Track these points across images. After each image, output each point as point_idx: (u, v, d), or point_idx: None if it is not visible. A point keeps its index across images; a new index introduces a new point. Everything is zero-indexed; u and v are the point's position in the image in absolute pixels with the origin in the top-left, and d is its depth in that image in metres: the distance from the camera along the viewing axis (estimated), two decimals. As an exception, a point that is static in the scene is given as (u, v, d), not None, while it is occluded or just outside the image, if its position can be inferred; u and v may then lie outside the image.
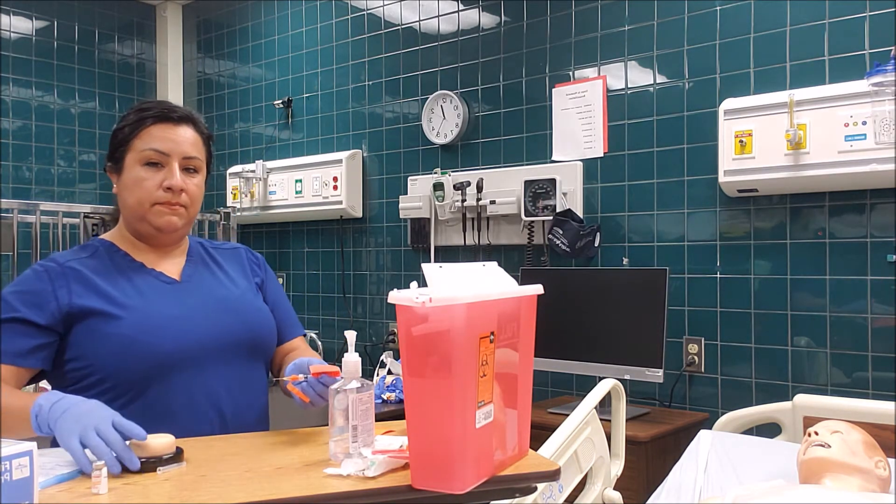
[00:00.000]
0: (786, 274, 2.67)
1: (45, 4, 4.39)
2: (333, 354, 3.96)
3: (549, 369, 2.95)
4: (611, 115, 3.07)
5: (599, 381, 2.13)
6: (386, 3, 3.82)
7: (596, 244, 3.04)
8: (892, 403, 2.13)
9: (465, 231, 3.40)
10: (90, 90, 4.56)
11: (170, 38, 4.90)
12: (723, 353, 2.80)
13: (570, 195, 3.11)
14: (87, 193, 4.45)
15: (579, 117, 3.15)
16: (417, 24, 3.70)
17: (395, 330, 3.54)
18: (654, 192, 2.95)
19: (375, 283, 3.88)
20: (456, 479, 1.10)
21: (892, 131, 2.32)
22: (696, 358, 2.84)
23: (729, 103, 2.69)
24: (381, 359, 3.41)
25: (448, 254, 3.55)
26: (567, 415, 2.00)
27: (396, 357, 3.38)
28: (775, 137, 2.55)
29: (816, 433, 1.90)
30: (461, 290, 1.10)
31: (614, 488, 2.04)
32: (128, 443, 1.20)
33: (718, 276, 2.81)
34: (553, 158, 3.22)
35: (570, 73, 3.19)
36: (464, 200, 3.35)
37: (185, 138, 1.52)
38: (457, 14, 3.55)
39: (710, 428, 2.38)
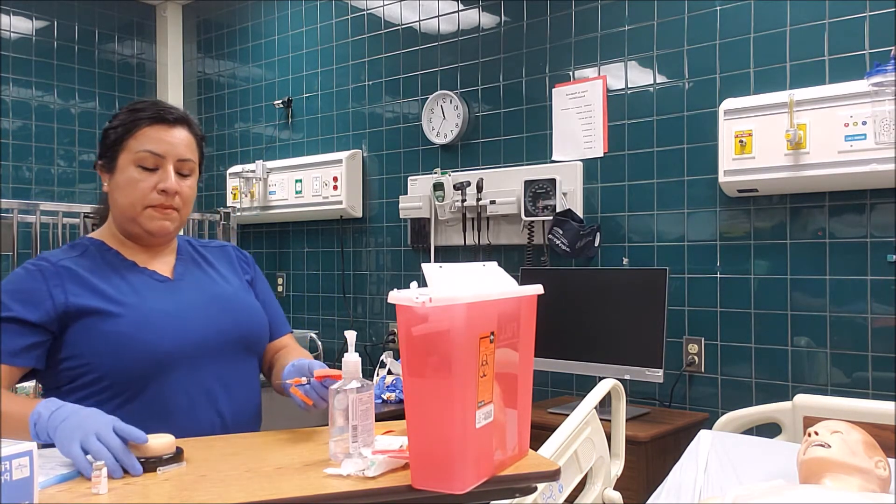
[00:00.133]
0: (786, 274, 2.67)
1: (45, 4, 4.39)
2: (333, 354, 3.96)
3: (549, 369, 2.95)
4: (611, 115, 3.07)
5: (599, 381, 2.13)
6: (386, 3, 3.82)
7: (596, 244, 3.04)
8: (892, 403, 2.13)
9: (465, 231, 3.40)
10: (90, 90, 4.56)
11: (170, 38, 4.90)
12: (723, 353, 2.80)
13: (570, 195, 3.11)
14: (87, 193, 4.44)
15: (579, 117, 3.15)
16: (417, 24, 3.70)
17: (395, 330, 3.54)
18: (654, 192, 2.95)
19: (375, 283, 3.88)
20: (456, 479, 1.10)
21: (892, 131, 2.32)
22: (696, 358, 2.84)
23: (729, 103, 2.69)
24: (381, 359, 3.41)
25: (448, 254, 3.55)
26: (567, 415, 2.00)
27: (396, 357, 3.38)
28: (775, 137, 2.55)
29: (816, 433, 1.90)
30: (461, 290, 1.10)
31: (614, 488, 2.04)
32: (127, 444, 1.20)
33: (718, 276, 2.81)
34: (553, 158, 3.22)
35: (570, 73, 3.19)
36: (464, 200, 3.35)
37: (180, 140, 1.52)
38: (457, 14, 3.55)
39: (710, 428, 2.38)
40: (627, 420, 2.43)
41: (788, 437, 2.31)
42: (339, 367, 1.31)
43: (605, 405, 2.15)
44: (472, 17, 3.51)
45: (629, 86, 3.03)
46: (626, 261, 3.01)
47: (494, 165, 3.40)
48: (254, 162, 4.22)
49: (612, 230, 3.06)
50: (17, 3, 4.26)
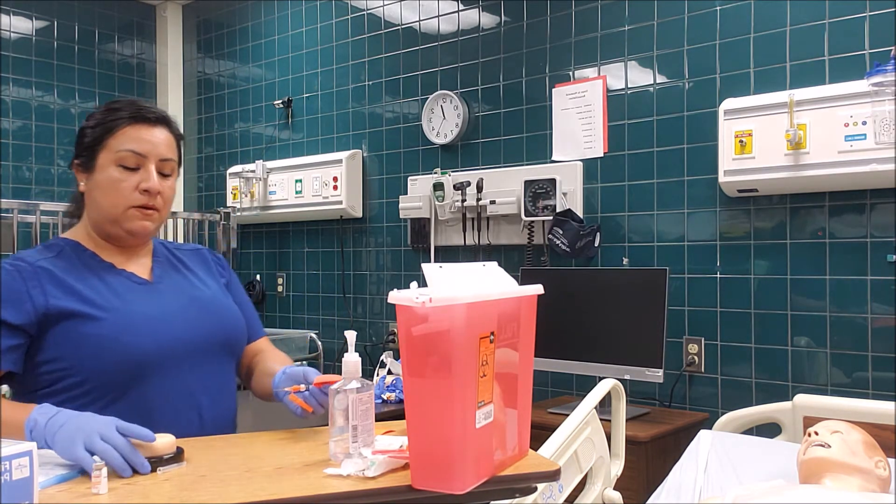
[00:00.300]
0: (786, 274, 2.67)
1: (45, 4, 4.39)
2: (333, 354, 3.96)
3: (549, 369, 2.95)
4: (611, 115, 3.07)
5: (599, 381, 2.13)
6: (386, 3, 3.82)
7: (596, 244, 3.04)
8: (892, 403, 2.13)
9: (465, 231, 3.40)
10: (90, 90, 4.56)
11: (170, 38, 4.90)
12: (723, 353, 2.80)
13: (570, 195, 3.11)
14: (87, 193, 4.44)
15: (579, 117, 3.15)
16: (417, 24, 3.70)
17: (395, 330, 3.54)
18: (654, 192, 2.95)
19: (375, 283, 3.87)
20: (456, 479, 1.10)
21: (892, 131, 2.32)
22: (696, 358, 2.84)
23: (729, 103, 2.69)
24: (381, 359, 3.41)
25: (448, 254, 3.55)
26: (567, 415, 2.00)
27: (396, 357, 3.38)
28: (775, 137, 2.55)
29: (816, 433, 1.90)
30: (461, 290, 1.10)
31: (614, 488, 2.04)
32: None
33: (718, 276, 2.81)
34: (553, 158, 3.22)
35: (570, 73, 3.19)
36: (464, 200, 3.35)
37: (161, 140, 1.50)
38: (457, 14, 3.55)
39: (710, 428, 2.38)
40: (627, 420, 2.43)
41: (788, 437, 2.31)
42: (339, 367, 1.31)
43: (605, 405, 2.15)
44: (472, 17, 3.51)
45: (629, 86, 3.03)
46: (626, 261, 3.01)
47: (494, 165, 3.40)
48: (254, 162, 4.22)
49: (612, 230, 3.06)
50: (17, 3, 4.26)
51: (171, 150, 1.52)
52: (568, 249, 3.01)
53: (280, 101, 4.26)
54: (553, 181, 3.08)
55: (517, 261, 3.28)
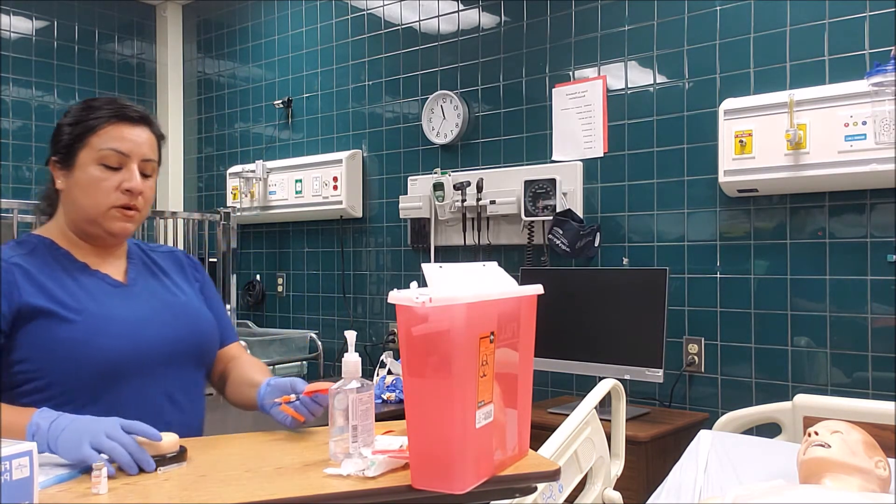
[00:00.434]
0: (786, 274, 2.67)
1: (45, 4, 4.39)
2: (333, 354, 3.96)
3: (549, 369, 2.95)
4: (611, 115, 3.07)
5: (599, 381, 2.13)
6: (386, 3, 3.82)
7: (596, 244, 3.04)
8: (892, 403, 2.13)
9: (465, 231, 3.40)
10: (90, 90, 4.55)
11: (170, 38, 4.90)
12: (723, 353, 2.80)
13: (570, 195, 3.11)
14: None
15: (579, 117, 3.15)
16: (417, 24, 3.70)
17: (395, 330, 3.54)
18: (654, 192, 2.95)
19: (375, 283, 3.87)
20: (456, 479, 1.10)
21: (892, 131, 2.32)
22: (696, 358, 2.84)
23: (729, 103, 2.69)
24: (381, 359, 3.41)
25: (448, 254, 3.55)
26: (567, 415, 2.00)
27: (396, 357, 3.38)
28: (775, 137, 2.55)
29: (816, 433, 1.90)
30: (461, 290, 1.10)
31: (614, 488, 2.04)
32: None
33: (718, 276, 2.81)
34: (553, 158, 3.22)
35: (570, 73, 3.19)
36: (464, 200, 3.35)
37: (144, 140, 1.48)
38: (457, 14, 3.55)
39: (710, 428, 2.38)
40: (627, 420, 2.43)
41: (788, 437, 2.31)
42: (339, 367, 1.31)
43: (605, 405, 2.15)
44: (472, 17, 3.51)
45: (629, 86, 3.03)
46: (626, 261, 3.01)
47: (494, 165, 3.40)
48: (254, 162, 4.22)
49: (612, 230, 3.06)
50: (17, 3, 4.26)
51: (152, 150, 1.50)
52: (568, 249, 3.01)
53: (280, 101, 4.26)
54: (553, 181, 3.08)
55: (517, 261, 3.28)
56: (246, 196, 4.21)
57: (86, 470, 1.16)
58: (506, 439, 1.23)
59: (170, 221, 3.13)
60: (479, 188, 3.32)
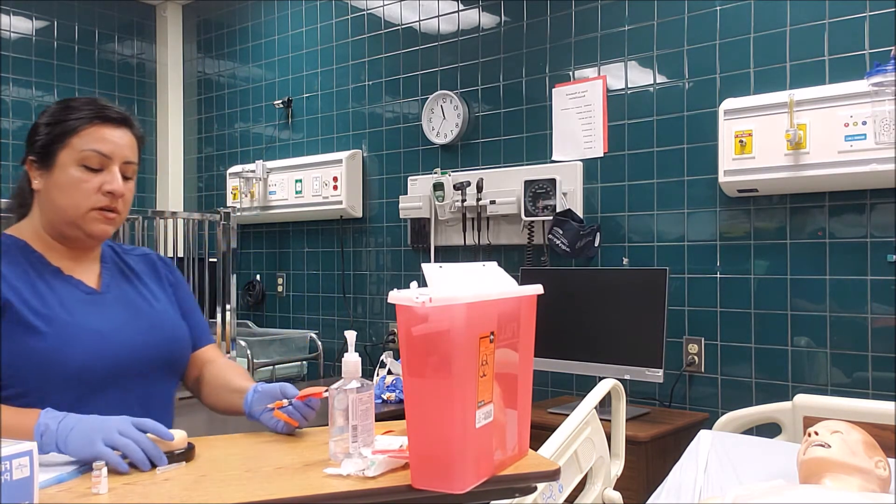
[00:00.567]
0: (786, 274, 2.67)
1: (45, 4, 4.39)
2: (333, 354, 3.96)
3: (549, 369, 2.95)
4: (611, 115, 3.07)
5: (599, 381, 2.13)
6: (386, 3, 3.82)
7: (596, 244, 3.04)
8: (892, 403, 2.13)
9: (465, 231, 3.40)
10: (90, 90, 4.55)
11: (170, 38, 4.90)
12: (723, 353, 2.80)
13: (570, 195, 3.11)
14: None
15: (579, 117, 3.15)
16: (417, 24, 3.70)
17: (395, 330, 3.54)
18: (654, 192, 2.95)
19: (375, 283, 3.87)
20: (456, 479, 1.10)
21: (892, 131, 2.32)
22: (696, 358, 2.84)
23: (729, 103, 2.69)
24: (381, 359, 3.40)
25: (448, 254, 3.55)
26: (567, 415, 2.00)
27: (396, 357, 3.38)
28: (775, 137, 2.55)
29: (816, 433, 1.90)
30: (461, 290, 1.10)
31: (614, 488, 2.04)
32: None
33: (718, 276, 2.81)
34: (553, 158, 3.22)
35: (570, 73, 3.19)
36: (464, 200, 3.35)
37: (126, 142, 1.46)
38: (457, 14, 3.55)
39: (710, 428, 2.38)
40: (627, 420, 2.43)
41: (788, 437, 2.31)
42: (339, 368, 1.31)
43: (605, 405, 2.15)
44: (472, 17, 3.50)
45: (629, 86, 3.03)
46: (626, 261, 3.01)
47: (494, 165, 3.40)
48: (254, 162, 4.22)
49: (612, 230, 3.06)
50: (17, 3, 4.26)
51: (133, 152, 1.48)
52: (568, 249, 3.01)
53: (280, 101, 4.26)
54: (553, 181, 3.08)
55: (517, 261, 3.28)
56: (246, 196, 4.22)
57: (86, 470, 1.16)
58: (506, 439, 1.23)
59: (170, 221, 3.13)
60: (479, 188, 3.32)
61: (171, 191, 4.86)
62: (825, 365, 2.59)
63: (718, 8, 2.80)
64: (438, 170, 3.50)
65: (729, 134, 2.65)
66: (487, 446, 1.16)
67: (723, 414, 2.48)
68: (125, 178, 1.46)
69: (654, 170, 2.95)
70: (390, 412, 2.83)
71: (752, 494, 1.83)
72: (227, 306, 3.18)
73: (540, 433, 1.88)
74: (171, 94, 4.89)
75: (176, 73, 4.92)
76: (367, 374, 3.37)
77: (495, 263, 1.28)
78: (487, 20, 3.46)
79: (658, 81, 2.95)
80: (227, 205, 4.30)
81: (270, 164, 4.19)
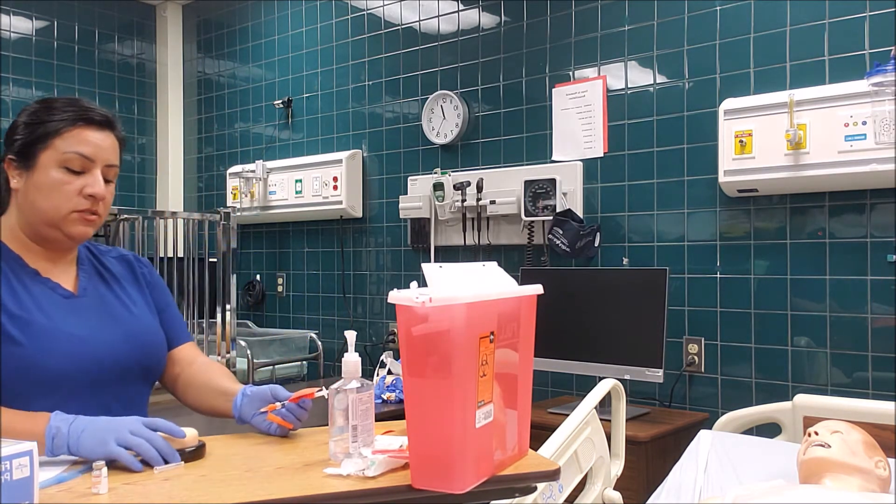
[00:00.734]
0: (786, 274, 2.67)
1: (45, 4, 4.39)
2: (333, 354, 3.96)
3: (549, 369, 2.95)
4: (611, 115, 3.07)
5: (599, 381, 2.13)
6: (386, 3, 3.82)
7: (596, 244, 3.04)
8: (892, 403, 2.13)
9: (465, 231, 3.40)
10: (90, 90, 4.55)
11: (170, 38, 4.90)
12: (723, 353, 2.80)
13: (570, 195, 3.11)
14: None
15: (579, 117, 3.15)
16: (417, 24, 3.70)
17: (395, 330, 3.54)
18: (654, 192, 2.95)
19: (375, 283, 3.87)
20: (456, 479, 1.10)
21: (892, 131, 2.32)
22: (696, 358, 2.84)
23: (729, 103, 2.69)
24: (381, 359, 3.41)
25: (448, 254, 3.55)
26: (567, 415, 2.00)
27: (396, 357, 3.38)
28: (775, 137, 2.55)
29: (816, 433, 1.90)
30: (461, 290, 1.10)
31: (614, 488, 2.04)
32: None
33: (718, 276, 2.81)
34: (553, 158, 3.22)
35: (570, 73, 3.19)
36: (464, 200, 3.35)
37: (108, 145, 1.45)
38: (457, 14, 3.55)
39: (710, 428, 2.38)
40: (627, 420, 2.43)
41: (788, 437, 2.31)
42: (339, 368, 1.31)
43: (605, 405, 2.15)
44: (472, 17, 3.51)
45: (629, 86, 3.03)
46: (626, 261, 3.01)
47: (494, 165, 3.40)
48: (254, 162, 4.22)
49: (612, 230, 3.06)
50: (17, 3, 4.26)
51: (115, 155, 1.47)
52: (568, 249, 3.01)
53: (280, 101, 4.26)
54: (553, 181, 3.08)
55: (517, 261, 3.28)
56: (246, 196, 4.22)
57: (86, 470, 1.16)
58: (506, 439, 1.23)
59: (170, 221, 3.13)
60: (479, 188, 3.32)
61: (171, 191, 4.86)
62: (825, 365, 2.59)
63: (718, 8, 2.80)
64: (438, 170, 3.50)
65: (729, 134, 2.65)
66: (487, 446, 1.16)
67: (723, 414, 2.47)
68: (106, 180, 1.44)
69: (654, 170, 2.95)
70: (390, 412, 2.83)
71: (752, 494, 1.83)
72: (227, 306, 3.19)
73: (540, 433, 1.88)
74: (171, 94, 4.89)
75: (176, 73, 4.92)
76: (367, 374, 3.37)
77: (495, 263, 1.28)
78: (487, 20, 3.46)
79: (658, 81, 2.95)
80: (227, 205, 4.30)
81: (270, 164, 4.19)
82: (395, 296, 1.09)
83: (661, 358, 2.63)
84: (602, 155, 3.09)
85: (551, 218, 3.07)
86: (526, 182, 3.15)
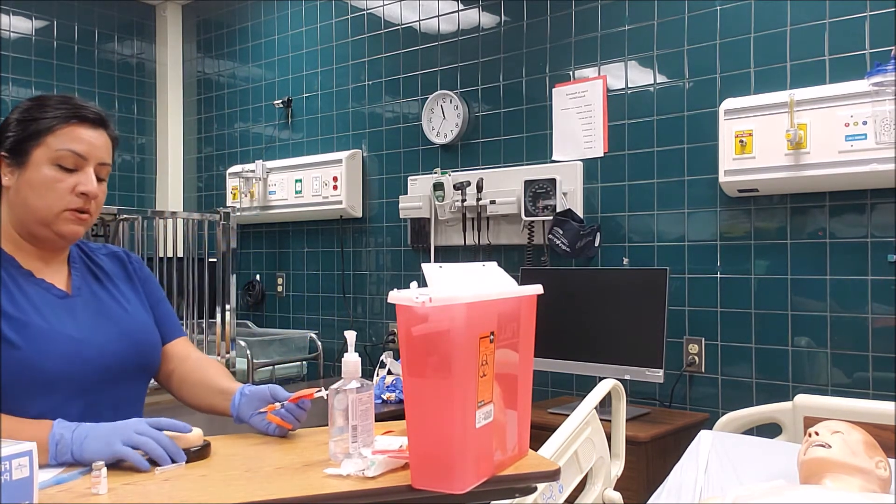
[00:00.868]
0: (786, 274, 2.67)
1: (45, 4, 4.39)
2: (333, 354, 3.96)
3: (549, 369, 2.95)
4: (611, 115, 3.07)
5: (599, 381, 2.13)
6: (386, 3, 3.82)
7: (596, 244, 3.04)
8: (892, 403, 2.13)
9: (465, 231, 3.40)
10: (90, 90, 4.55)
11: (170, 38, 4.90)
12: (723, 353, 2.80)
13: (570, 195, 3.11)
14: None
15: (579, 117, 3.15)
16: (417, 24, 3.70)
17: (395, 330, 3.54)
18: (654, 192, 2.95)
19: (375, 283, 3.87)
20: (456, 479, 1.10)
21: (892, 131, 2.32)
22: (696, 358, 2.84)
23: (729, 103, 2.69)
24: (381, 359, 3.40)
25: (448, 254, 3.55)
26: (567, 415, 2.00)
27: (396, 357, 3.38)
28: (775, 137, 2.55)
29: (817, 433, 1.90)
30: (461, 290, 1.10)
31: (614, 488, 2.04)
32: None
33: (719, 276, 2.81)
34: (553, 158, 3.22)
35: (570, 73, 3.19)
36: (464, 200, 3.35)
37: (102, 143, 1.44)
38: (457, 14, 3.55)
39: (711, 428, 2.38)
40: (627, 420, 2.43)
41: (789, 437, 2.31)
42: (339, 368, 1.31)
43: (605, 405, 2.15)
44: (472, 17, 3.50)
45: (629, 86, 3.03)
46: (626, 261, 3.01)
47: (494, 165, 3.40)
48: (254, 162, 4.22)
49: (612, 230, 3.05)
50: (17, 3, 4.26)
51: (108, 154, 1.46)
52: (568, 249, 3.01)
53: (280, 101, 4.26)
54: (553, 181, 3.08)
55: (517, 261, 3.28)
56: (246, 196, 4.21)
57: (85, 471, 1.16)
58: (506, 439, 1.23)
59: (170, 221, 3.13)
60: (479, 188, 3.32)
61: (171, 191, 4.86)
62: (825, 365, 2.59)
63: (718, 8, 2.80)
64: (438, 170, 3.50)
65: (729, 134, 2.65)
66: (487, 446, 1.16)
67: (723, 414, 2.47)
68: (99, 179, 1.44)
69: (655, 170, 2.95)
70: (390, 412, 2.83)
71: (752, 495, 1.83)
72: (227, 306, 3.18)
73: (540, 433, 1.88)
74: (171, 93, 4.89)
75: (176, 72, 4.92)
76: (367, 374, 3.37)
77: (495, 263, 1.28)
78: (487, 20, 3.46)
79: (658, 81, 2.95)
80: (227, 205, 4.30)
81: (270, 163, 4.19)
82: (394, 296, 1.09)
83: (661, 358, 2.63)
84: (602, 155, 3.09)
85: (551, 218, 3.07)
86: (526, 182, 3.15)
